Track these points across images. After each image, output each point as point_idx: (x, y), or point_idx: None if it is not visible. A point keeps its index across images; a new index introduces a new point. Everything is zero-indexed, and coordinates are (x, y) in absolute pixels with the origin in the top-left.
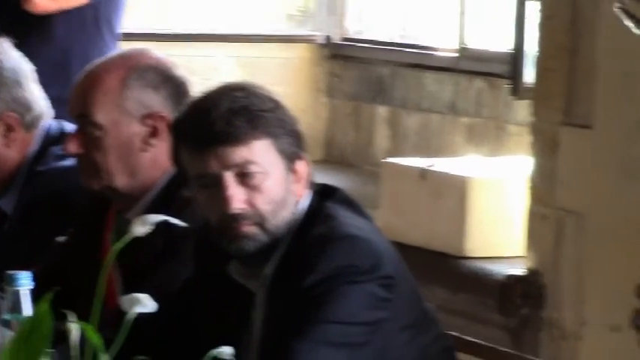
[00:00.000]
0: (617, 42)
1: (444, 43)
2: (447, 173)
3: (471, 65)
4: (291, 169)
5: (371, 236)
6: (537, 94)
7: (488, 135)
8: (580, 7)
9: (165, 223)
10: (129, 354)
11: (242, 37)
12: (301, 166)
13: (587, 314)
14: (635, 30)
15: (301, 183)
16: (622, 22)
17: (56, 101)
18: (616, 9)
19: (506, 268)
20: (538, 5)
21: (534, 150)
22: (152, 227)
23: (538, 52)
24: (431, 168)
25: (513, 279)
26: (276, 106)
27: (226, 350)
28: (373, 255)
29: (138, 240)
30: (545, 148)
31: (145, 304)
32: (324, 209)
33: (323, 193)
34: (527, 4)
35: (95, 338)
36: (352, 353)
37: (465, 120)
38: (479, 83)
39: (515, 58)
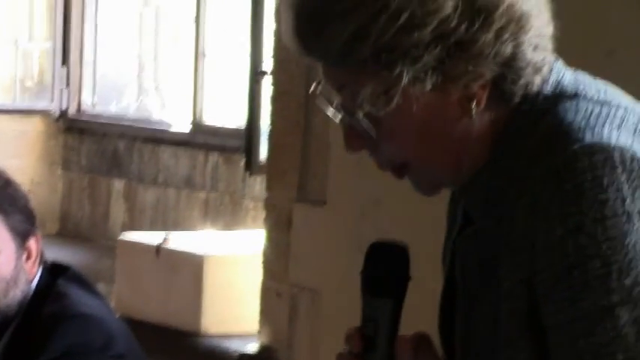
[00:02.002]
0: None
1: (180, 118)
2: (182, 249)
3: (206, 140)
4: (22, 247)
5: (102, 314)
6: (271, 170)
7: (225, 210)
8: (313, 83)
9: None
10: None
11: None
12: (33, 244)
13: None
14: (335, 119)
15: (33, 261)
16: None
17: None
18: (317, 97)
19: (242, 344)
20: (271, 81)
21: (268, 226)
22: None
23: (271, 127)
24: (166, 244)
25: (247, 356)
26: (6, 183)
27: None
28: (105, 333)
29: None
30: (279, 224)
31: None
32: (56, 287)
33: (55, 271)
34: (260, 79)
35: None
36: None
37: (201, 195)
38: (214, 158)
39: (249, 133)
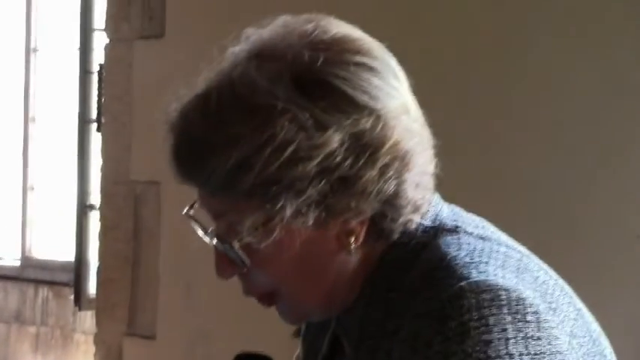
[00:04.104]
0: (178, 252)
1: (8, 252)
2: None
3: (35, 274)
4: None
5: None
6: (100, 305)
7: (55, 344)
8: (141, 218)
9: None
10: None
11: None
12: None
13: None
14: (204, 238)
15: None
16: (182, 233)
17: None
18: (186, 215)
19: None
20: (98, 215)
21: None
22: None
23: (100, 262)
24: None
25: None
26: None
27: None
28: None
29: None
30: (110, 358)
31: None
32: None
33: None
34: (88, 213)
35: None
36: None
37: (31, 329)
38: (44, 292)
39: (78, 267)
